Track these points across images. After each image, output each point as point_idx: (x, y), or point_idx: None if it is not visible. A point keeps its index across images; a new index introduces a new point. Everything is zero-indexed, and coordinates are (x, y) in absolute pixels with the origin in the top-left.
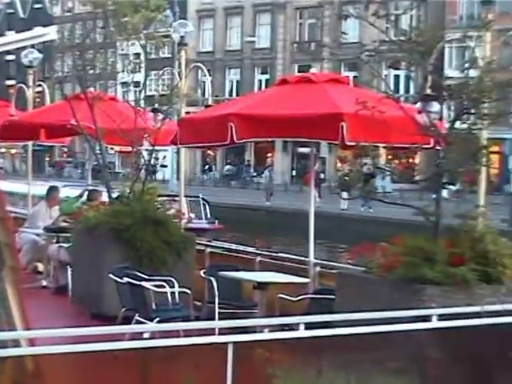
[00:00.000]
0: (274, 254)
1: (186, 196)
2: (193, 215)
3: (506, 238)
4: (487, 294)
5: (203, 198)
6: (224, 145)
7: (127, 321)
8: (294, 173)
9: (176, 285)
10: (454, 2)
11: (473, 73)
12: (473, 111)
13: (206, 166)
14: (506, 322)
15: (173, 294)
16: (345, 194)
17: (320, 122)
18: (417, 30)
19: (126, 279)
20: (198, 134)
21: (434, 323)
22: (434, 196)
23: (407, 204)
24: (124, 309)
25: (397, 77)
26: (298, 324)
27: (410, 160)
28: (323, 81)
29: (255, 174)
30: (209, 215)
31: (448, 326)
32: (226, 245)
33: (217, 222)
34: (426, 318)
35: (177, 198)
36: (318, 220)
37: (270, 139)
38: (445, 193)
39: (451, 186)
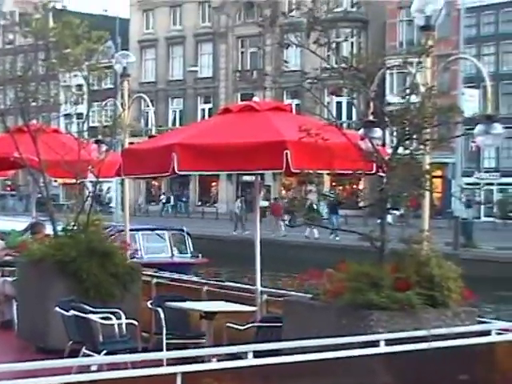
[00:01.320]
0: (220, 283)
1: (168, 229)
2: (175, 250)
3: (450, 262)
4: (433, 318)
5: (184, 231)
6: (167, 175)
7: (74, 354)
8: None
9: (123, 316)
10: (394, 28)
11: (414, 99)
12: (415, 137)
13: (162, 197)
14: (452, 345)
15: (120, 325)
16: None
17: (264, 150)
18: (358, 57)
19: (72, 312)
20: (142, 165)
21: (382, 348)
22: (378, 221)
23: (352, 230)
24: (71, 342)
25: (339, 103)
26: (246, 352)
27: (354, 186)
28: (266, 109)
29: (200, 204)
30: (191, 249)
31: (396, 350)
32: (172, 275)
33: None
34: (374, 344)
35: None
36: (283, 249)
37: (214, 172)
38: (389, 218)
39: (395, 211)
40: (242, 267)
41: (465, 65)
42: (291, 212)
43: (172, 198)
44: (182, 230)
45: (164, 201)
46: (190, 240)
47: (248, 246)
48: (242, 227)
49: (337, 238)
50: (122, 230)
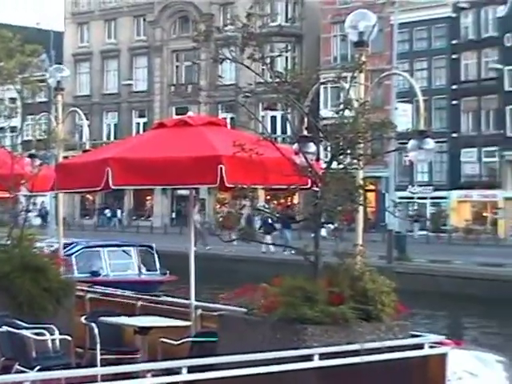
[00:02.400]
0: (155, 298)
1: (134, 246)
2: (143, 267)
3: (384, 275)
4: (367, 332)
5: (151, 247)
6: (101, 190)
7: (7, 370)
8: (173, 215)
9: (56, 332)
10: (328, 43)
11: (348, 114)
12: (348, 152)
13: (107, 210)
14: (386, 358)
15: (53, 341)
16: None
17: (198, 165)
18: (292, 72)
19: (4, 328)
20: (76, 179)
21: (316, 362)
22: (312, 235)
23: (288, 245)
24: (3, 358)
25: (274, 118)
26: (180, 368)
27: (289, 200)
28: (200, 124)
29: (135, 217)
30: (159, 266)
31: (329, 364)
32: (106, 290)
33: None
34: (308, 358)
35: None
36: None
37: (148, 187)
38: (324, 232)
39: (330, 225)
40: (211, 284)
41: (398, 80)
42: (225, 227)
43: (109, 211)
44: (150, 247)
45: (98, 214)
46: (157, 257)
47: (214, 261)
48: (203, 242)
49: (292, 252)
50: (89, 246)
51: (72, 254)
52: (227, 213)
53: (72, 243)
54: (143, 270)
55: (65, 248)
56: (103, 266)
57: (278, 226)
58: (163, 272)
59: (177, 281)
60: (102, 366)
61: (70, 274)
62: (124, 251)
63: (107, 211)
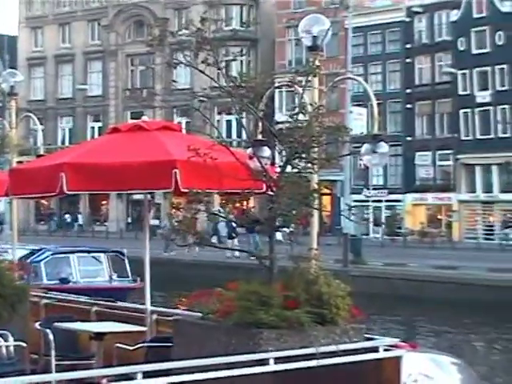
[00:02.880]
0: (110, 304)
1: (105, 251)
2: (114, 274)
3: (339, 279)
4: (322, 336)
5: (122, 253)
6: (55, 195)
7: None
8: (129, 220)
9: (11, 338)
10: (283, 47)
11: (302, 118)
12: (303, 156)
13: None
14: (341, 362)
15: (7, 347)
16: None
17: (153, 169)
18: (246, 76)
19: None
20: (30, 185)
21: (271, 366)
22: (267, 239)
23: (242, 249)
24: None
25: (229, 122)
26: (135, 373)
27: (245, 204)
28: (155, 128)
29: (82, 223)
30: (130, 272)
31: (285, 368)
32: (60, 295)
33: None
34: (263, 362)
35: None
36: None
37: (103, 192)
38: (279, 235)
39: (285, 229)
40: (182, 289)
41: (353, 83)
42: (180, 232)
43: (69, 216)
44: (120, 253)
45: (51, 219)
46: (127, 263)
47: (181, 266)
48: (165, 248)
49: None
50: (58, 253)
51: (41, 260)
52: (182, 217)
53: (41, 249)
54: (114, 276)
55: (33, 254)
56: (73, 273)
57: (241, 230)
58: (134, 278)
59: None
60: (56, 372)
61: (38, 281)
62: (94, 257)
63: (67, 216)
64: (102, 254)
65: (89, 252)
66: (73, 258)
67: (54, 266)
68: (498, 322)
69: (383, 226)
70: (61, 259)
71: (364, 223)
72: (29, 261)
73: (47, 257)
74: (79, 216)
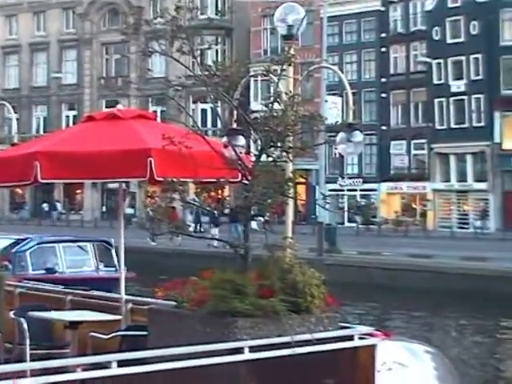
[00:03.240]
0: (85, 293)
1: (91, 241)
2: (101, 263)
3: (314, 268)
4: (297, 324)
5: (108, 242)
6: (29, 184)
7: None
8: (104, 209)
9: None
10: (258, 36)
11: (277, 106)
12: (278, 144)
13: (45, 204)
14: (316, 350)
15: None
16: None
17: (128, 158)
18: (221, 65)
19: None
20: (4, 173)
21: (246, 355)
22: (242, 228)
23: (216, 238)
24: None
25: (204, 111)
26: (110, 362)
27: (220, 193)
28: (130, 117)
29: (64, 212)
30: (117, 262)
31: (260, 357)
32: (35, 284)
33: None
34: (238, 351)
35: None
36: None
37: (77, 180)
38: (254, 224)
39: (260, 218)
40: (160, 278)
41: (328, 73)
42: (155, 220)
43: (47, 205)
44: (107, 242)
45: (23, 208)
46: (115, 252)
47: (161, 255)
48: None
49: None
50: (43, 242)
51: (26, 250)
52: (157, 206)
53: (25, 239)
54: (101, 266)
55: (17, 244)
56: (59, 263)
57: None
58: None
59: (136, 278)
60: (31, 361)
61: (23, 272)
62: (80, 247)
63: (45, 205)
64: (88, 244)
65: (75, 241)
66: (59, 248)
67: (39, 256)
68: (471, 309)
69: (361, 214)
70: (46, 249)
71: (339, 212)
72: (13, 250)
73: (32, 246)
74: (58, 204)
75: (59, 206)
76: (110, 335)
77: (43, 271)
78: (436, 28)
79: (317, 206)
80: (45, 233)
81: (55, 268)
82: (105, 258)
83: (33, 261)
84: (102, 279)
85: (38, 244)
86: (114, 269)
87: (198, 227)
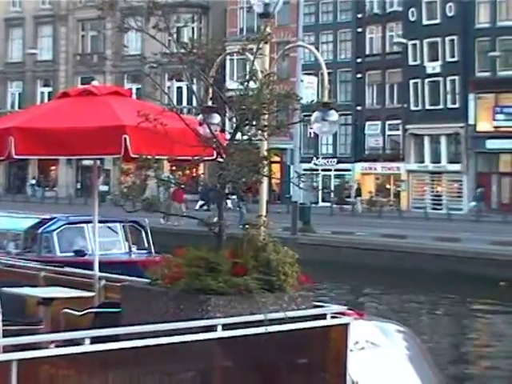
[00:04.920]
0: (58, 269)
1: (120, 221)
2: (133, 246)
3: (288, 247)
4: (270, 303)
5: (139, 223)
6: (3, 160)
7: None
8: (78, 186)
9: None
10: (234, 14)
11: (252, 85)
12: (253, 123)
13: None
14: (289, 329)
15: None
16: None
17: (102, 135)
18: (197, 43)
19: None
20: None
21: (219, 333)
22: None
23: (190, 216)
24: None
25: (180, 88)
26: (83, 338)
27: (195, 171)
28: (105, 93)
29: (39, 188)
30: (150, 245)
31: (233, 335)
32: (7, 260)
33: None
34: (211, 328)
35: None
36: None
37: (51, 157)
38: (229, 203)
39: (234, 196)
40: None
41: (304, 52)
42: (128, 197)
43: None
44: (138, 223)
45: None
46: (147, 234)
47: (180, 236)
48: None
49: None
50: (71, 223)
51: (53, 230)
52: (131, 183)
53: (52, 218)
54: (133, 249)
55: (44, 224)
56: (88, 245)
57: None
58: (157, 251)
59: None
60: (4, 337)
61: (51, 254)
62: (109, 227)
63: (33, 181)
64: (118, 224)
65: (103, 222)
66: (87, 229)
67: (67, 237)
68: (443, 289)
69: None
70: (75, 229)
71: (313, 192)
72: (39, 231)
73: (60, 227)
74: (32, 181)
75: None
76: (83, 312)
77: (72, 254)
78: (412, 9)
79: (291, 186)
80: (27, 210)
81: (85, 251)
82: (136, 240)
83: (60, 242)
84: (134, 263)
85: (65, 224)
86: (146, 252)
87: (206, 206)
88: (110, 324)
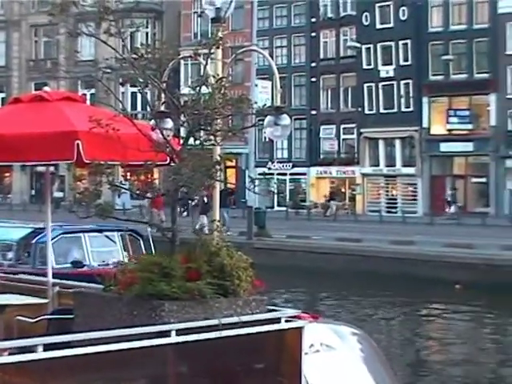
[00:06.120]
0: (11, 276)
1: (118, 230)
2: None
3: (242, 251)
4: (224, 307)
5: (137, 232)
6: None
7: None
8: (33, 192)
9: None
10: (188, 19)
11: (205, 90)
12: (205, 127)
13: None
14: (243, 333)
15: None
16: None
17: (55, 140)
18: (150, 48)
19: None
20: None
21: (173, 338)
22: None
23: (143, 221)
24: None
25: (134, 94)
26: (36, 346)
27: (150, 176)
28: (57, 99)
29: None
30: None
31: (187, 340)
32: None
33: None
34: (165, 334)
35: None
36: None
37: (4, 163)
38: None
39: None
40: None
41: (259, 57)
42: (81, 203)
43: None
44: (135, 232)
45: None
46: (149, 243)
47: (184, 244)
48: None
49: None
50: (67, 232)
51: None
52: (84, 189)
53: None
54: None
55: (38, 233)
56: (85, 256)
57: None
58: None
59: None
60: None
61: (45, 265)
62: (107, 237)
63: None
64: (115, 233)
65: (101, 231)
66: (84, 238)
67: (64, 248)
68: (397, 292)
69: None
70: (71, 239)
71: (268, 196)
72: (33, 241)
73: (56, 237)
74: None
75: None
76: (37, 319)
77: (69, 265)
78: (365, 13)
79: (246, 190)
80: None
81: (82, 262)
82: (135, 249)
83: (56, 253)
84: None
85: (61, 234)
86: None
87: (186, 213)
88: (64, 331)
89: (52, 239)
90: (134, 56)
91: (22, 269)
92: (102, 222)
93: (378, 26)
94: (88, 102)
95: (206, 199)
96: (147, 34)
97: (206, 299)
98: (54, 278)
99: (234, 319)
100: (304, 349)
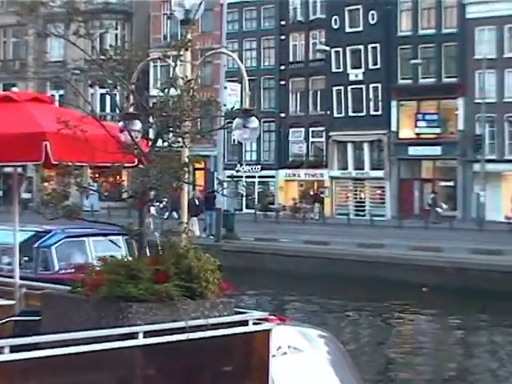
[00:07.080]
0: None
1: (122, 234)
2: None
3: (210, 254)
4: (192, 309)
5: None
6: None
7: None
8: (0, 193)
9: None
10: (158, 21)
11: (174, 92)
12: (174, 129)
13: None
14: (211, 335)
15: None
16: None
17: (22, 141)
18: (118, 49)
19: None
20: None
21: (140, 340)
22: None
23: (111, 222)
24: None
25: (103, 95)
26: (3, 347)
27: (118, 178)
28: (25, 100)
29: None
30: None
31: (154, 342)
32: None
33: None
34: (132, 336)
35: None
36: None
37: None
38: (153, 210)
39: (158, 203)
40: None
41: (228, 59)
42: (49, 204)
43: None
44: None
45: None
46: (150, 248)
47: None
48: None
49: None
50: (71, 236)
51: (51, 245)
52: (51, 190)
53: (49, 231)
54: None
55: (40, 237)
56: (89, 260)
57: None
58: None
59: None
60: None
61: (48, 270)
62: (111, 241)
63: None
64: (120, 238)
65: (105, 235)
66: (88, 242)
67: (66, 253)
68: (365, 295)
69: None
70: (75, 243)
71: (237, 199)
72: (36, 246)
73: (59, 241)
74: None
75: None
76: (3, 320)
77: (73, 270)
78: (335, 17)
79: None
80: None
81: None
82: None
83: (59, 258)
84: None
85: (64, 238)
86: None
87: (175, 214)
88: (31, 332)
89: (55, 243)
90: (103, 57)
91: (23, 274)
92: (74, 223)
93: (348, 29)
94: (57, 103)
95: (197, 201)
96: (116, 35)
97: (173, 301)
98: (56, 283)
99: (202, 321)
100: (272, 351)
